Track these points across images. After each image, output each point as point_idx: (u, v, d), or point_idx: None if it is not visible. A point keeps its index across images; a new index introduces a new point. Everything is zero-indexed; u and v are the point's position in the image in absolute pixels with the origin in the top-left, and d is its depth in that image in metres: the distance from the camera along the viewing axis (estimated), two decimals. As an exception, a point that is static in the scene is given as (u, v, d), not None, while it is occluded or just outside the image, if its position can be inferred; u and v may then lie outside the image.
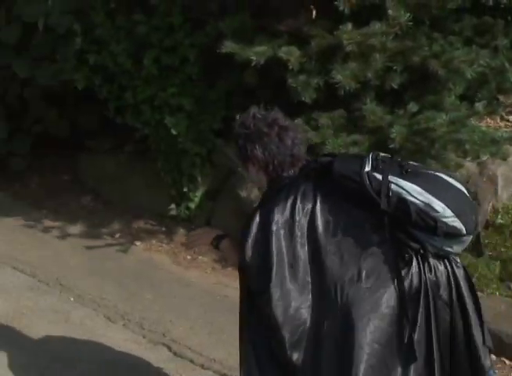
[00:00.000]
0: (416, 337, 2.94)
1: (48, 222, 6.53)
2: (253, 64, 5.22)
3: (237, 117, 3.26)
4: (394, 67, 5.14)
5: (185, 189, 6.35)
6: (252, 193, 6.03)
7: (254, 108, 3.23)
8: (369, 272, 2.97)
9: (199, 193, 6.41)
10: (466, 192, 3.04)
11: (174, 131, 6.01)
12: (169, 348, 4.61)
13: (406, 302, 2.95)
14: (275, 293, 2.95)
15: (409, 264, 2.99)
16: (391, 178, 2.97)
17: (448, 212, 2.93)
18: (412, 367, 2.94)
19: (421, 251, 2.99)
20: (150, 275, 5.68)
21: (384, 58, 5.10)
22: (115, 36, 6.19)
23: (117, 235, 6.34)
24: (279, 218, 3.04)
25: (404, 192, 2.94)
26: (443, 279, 3.04)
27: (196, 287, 5.51)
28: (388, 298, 2.96)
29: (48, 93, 7.19)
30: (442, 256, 3.05)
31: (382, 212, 2.95)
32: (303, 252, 3.02)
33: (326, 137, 5.12)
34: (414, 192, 2.94)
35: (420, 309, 2.97)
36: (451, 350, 3.03)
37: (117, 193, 6.93)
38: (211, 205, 6.42)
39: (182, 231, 6.27)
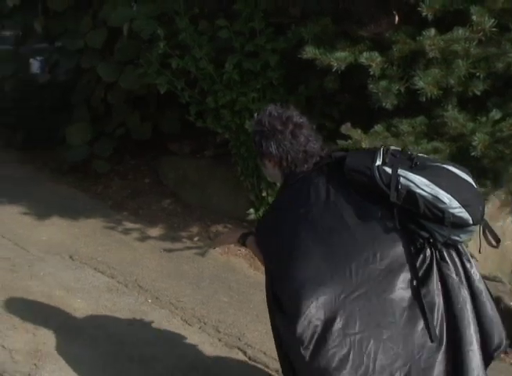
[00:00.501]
0: (435, 317, 3.08)
1: (128, 224, 6.61)
2: (334, 70, 5.19)
3: (255, 115, 3.45)
4: (478, 74, 5.04)
5: (263, 194, 6.36)
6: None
7: (271, 106, 3.42)
8: (383, 256, 3.11)
9: (277, 198, 6.39)
10: (473, 183, 3.18)
11: (253, 136, 6.02)
12: (244, 353, 4.61)
13: (420, 285, 3.09)
14: (288, 274, 3.11)
15: (421, 250, 3.14)
16: (400, 171, 3.12)
17: (455, 203, 3.07)
18: (428, 348, 3.05)
19: (431, 240, 3.14)
20: (227, 278, 5.70)
21: (467, 64, 5.01)
22: (198, 41, 6.25)
23: (196, 238, 6.38)
24: (292, 207, 3.25)
25: (412, 185, 3.09)
26: (455, 266, 3.19)
27: (272, 292, 5.51)
28: (403, 280, 3.10)
29: (131, 97, 7.31)
30: (451, 245, 3.20)
31: (392, 204, 3.10)
32: (316, 237, 3.15)
33: (406, 144, 5.05)
34: (422, 184, 3.08)
35: (434, 292, 3.11)
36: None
37: (197, 197, 6.99)
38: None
39: (259, 236, 6.27)
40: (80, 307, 4.92)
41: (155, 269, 5.76)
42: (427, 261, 3.15)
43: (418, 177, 3.10)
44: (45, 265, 5.56)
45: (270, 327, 4.89)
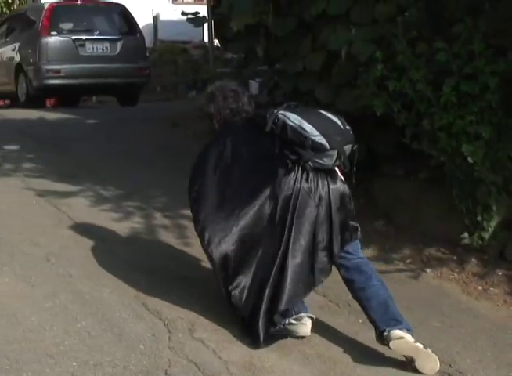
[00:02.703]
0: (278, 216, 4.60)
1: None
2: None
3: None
4: None
5: (478, 218, 6.23)
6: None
7: (221, 81, 5.29)
8: (261, 171, 4.64)
9: (493, 223, 6.25)
10: (339, 123, 4.63)
11: (470, 160, 5.94)
12: (459, 380, 4.55)
13: (279, 196, 4.56)
14: (199, 184, 4.85)
15: (290, 171, 4.54)
16: (281, 111, 4.60)
17: (315, 132, 4.45)
18: (273, 241, 4.61)
19: (301, 163, 4.52)
20: (439, 303, 5.64)
21: None
22: (415, 63, 6.25)
23: (408, 261, 6.35)
24: (214, 150, 4.85)
25: (287, 119, 4.53)
26: (318, 187, 4.56)
27: (485, 319, 5.39)
28: (268, 190, 4.59)
29: (347, 118, 7.38)
30: (320, 169, 4.57)
31: (274, 135, 4.55)
32: (226, 167, 4.75)
33: None
34: (293, 119, 4.52)
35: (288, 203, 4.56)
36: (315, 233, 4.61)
37: (410, 219, 6.95)
38: (506, 235, 6.24)
39: (473, 261, 6.16)
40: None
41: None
42: (294, 177, 4.54)
43: (292, 114, 4.56)
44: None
45: (484, 355, 4.82)
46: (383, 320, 4.56)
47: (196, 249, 6.24)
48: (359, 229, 4.76)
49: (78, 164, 8.60)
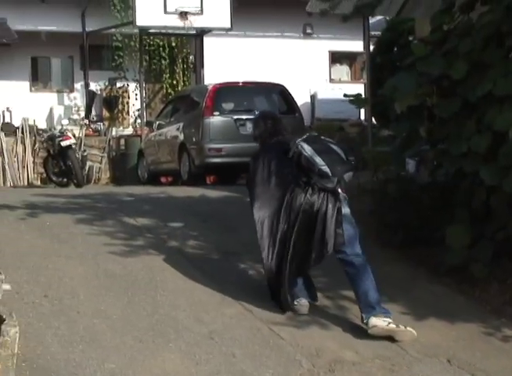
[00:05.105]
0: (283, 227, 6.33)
1: (507, 331, 6.46)
2: None
3: None
4: None
5: None
6: None
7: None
8: (280, 188, 6.37)
9: None
10: (342, 155, 6.30)
11: None
12: None
13: (292, 205, 6.25)
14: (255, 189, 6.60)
15: (302, 188, 6.19)
16: (299, 142, 6.25)
17: (322, 162, 6.12)
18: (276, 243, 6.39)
19: (310, 183, 6.16)
20: None
21: None
22: None
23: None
24: (257, 162, 6.60)
25: (302, 150, 6.20)
26: (319, 202, 6.15)
27: None
28: (281, 201, 6.31)
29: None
30: (328, 191, 6.15)
31: (293, 160, 6.25)
32: (263, 176, 6.51)
33: None
34: (307, 149, 6.19)
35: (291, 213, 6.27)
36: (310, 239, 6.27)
37: None
38: None
39: None
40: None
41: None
42: (303, 193, 6.17)
43: (306, 145, 6.20)
44: (424, 367, 5.62)
45: None
46: (363, 307, 6.09)
47: (358, 330, 6.20)
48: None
49: (240, 242, 8.72)
